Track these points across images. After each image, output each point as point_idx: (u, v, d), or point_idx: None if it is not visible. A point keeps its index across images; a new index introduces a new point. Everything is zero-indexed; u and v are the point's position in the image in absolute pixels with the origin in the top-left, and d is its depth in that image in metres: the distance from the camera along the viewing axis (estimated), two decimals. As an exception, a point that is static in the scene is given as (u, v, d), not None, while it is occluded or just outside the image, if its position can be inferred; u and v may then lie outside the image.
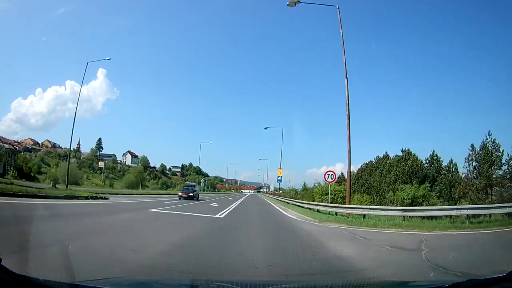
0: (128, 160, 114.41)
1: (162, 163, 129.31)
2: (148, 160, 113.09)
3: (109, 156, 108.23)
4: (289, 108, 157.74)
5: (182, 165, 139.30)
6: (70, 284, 2.11)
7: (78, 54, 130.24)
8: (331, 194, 23.25)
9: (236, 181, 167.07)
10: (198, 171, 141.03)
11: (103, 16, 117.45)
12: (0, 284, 1.43)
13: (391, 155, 37.24)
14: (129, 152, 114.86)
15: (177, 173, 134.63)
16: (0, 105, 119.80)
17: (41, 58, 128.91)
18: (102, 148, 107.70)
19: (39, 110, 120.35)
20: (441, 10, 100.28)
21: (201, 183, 59.27)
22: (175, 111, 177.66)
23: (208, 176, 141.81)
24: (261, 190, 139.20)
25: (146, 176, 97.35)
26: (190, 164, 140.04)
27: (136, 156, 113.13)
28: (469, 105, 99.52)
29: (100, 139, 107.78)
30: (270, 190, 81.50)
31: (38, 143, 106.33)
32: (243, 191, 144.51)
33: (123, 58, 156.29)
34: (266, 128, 75.15)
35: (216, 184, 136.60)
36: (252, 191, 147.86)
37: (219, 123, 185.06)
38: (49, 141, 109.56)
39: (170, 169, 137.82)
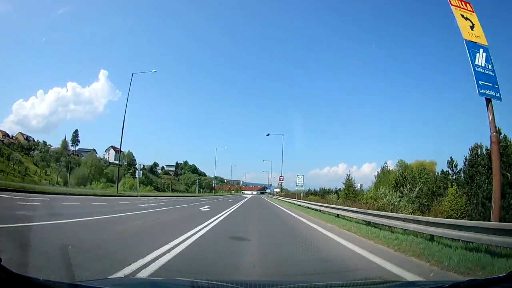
0: (111, 156, 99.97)
1: (154, 161, 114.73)
2: (133, 156, 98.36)
3: (87, 151, 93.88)
4: (290, 109, 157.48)
5: (176, 163, 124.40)
6: (70, 284, 2.06)
7: (79, 54, 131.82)
8: None
9: (238, 182, 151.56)
10: (194, 169, 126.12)
11: (104, 16, 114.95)
12: (0, 284, 1.41)
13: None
14: (112, 147, 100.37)
15: (170, 172, 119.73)
16: (1, 107, 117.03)
17: (42, 59, 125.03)
18: (79, 142, 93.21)
19: (40, 112, 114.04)
20: (440, 10, 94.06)
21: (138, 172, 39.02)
22: (177, 112, 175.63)
23: (205, 175, 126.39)
24: (267, 190, 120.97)
25: (126, 173, 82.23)
26: (185, 162, 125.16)
27: (116, 150, 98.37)
28: (468, 104, 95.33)
29: (76, 131, 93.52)
30: (295, 190, 59.51)
31: (8, 136, 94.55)
32: (244, 192, 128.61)
33: (124, 59, 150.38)
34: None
35: (213, 185, 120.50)
36: (255, 192, 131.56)
37: (219, 124, 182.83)
38: (22, 134, 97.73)
39: (163, 167, 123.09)
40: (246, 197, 56.51)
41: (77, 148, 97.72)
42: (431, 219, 7.71)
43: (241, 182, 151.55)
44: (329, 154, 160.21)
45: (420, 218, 8.18)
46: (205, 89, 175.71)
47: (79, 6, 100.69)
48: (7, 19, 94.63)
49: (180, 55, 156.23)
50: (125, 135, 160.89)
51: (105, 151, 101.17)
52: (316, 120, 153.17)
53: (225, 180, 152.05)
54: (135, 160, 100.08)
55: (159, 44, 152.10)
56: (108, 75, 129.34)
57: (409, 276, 4.39)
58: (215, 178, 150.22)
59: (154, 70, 39.03)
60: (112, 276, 3.62)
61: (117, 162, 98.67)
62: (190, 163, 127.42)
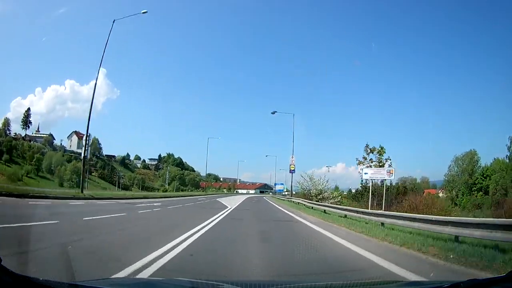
0: (74, 143, 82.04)
1: (128, 152, 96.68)
2: (99, 144, 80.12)
3: (40, 137, 76.10)
4: (290, 108, 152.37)
5: (159, 156, 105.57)
6: (70, 284, 2.05)
7: (78, 53, 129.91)
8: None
9: (235, 180, 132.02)
10: (179, 163, 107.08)
11: (104, 16, 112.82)
12: (0, 284, 1.42)
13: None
14: (75, 132, 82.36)
15: (151, 167, 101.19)
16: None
17: (40, 57, 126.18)
18: (31, 123, 75.27)
19: (38, 110, 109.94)
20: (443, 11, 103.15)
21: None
22: (177, 110, 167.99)
23: (193, 170, 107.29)
24: (276, 188, 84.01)
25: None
26: (169, 155, 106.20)
27: (80, 136, 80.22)
28: (468, 105, 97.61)
29: (28, 110, 75.57)
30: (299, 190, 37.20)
31: None
32: (239, 191, 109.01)
33: (122, 57, 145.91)
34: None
35: (199, 182, 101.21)
36: (253, 191, 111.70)
37: (219, 123, 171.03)
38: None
39: (144, 161, 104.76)
40: (224, 209, 18.47)
41: (33, 132, 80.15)
42: None
43: (238, 180, 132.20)
44: (327, 153, 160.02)
45: None
46: (203, 87, 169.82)
47: (79, 6, 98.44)
48: (8, 19, 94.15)
49: (179, 53, 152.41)
50: (124, 134, 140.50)
51: (67, 137, 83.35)
52: (315, 119, 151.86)
53: (221, 178, 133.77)
54: (101, 148, 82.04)
55: (158, 42, 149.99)
56: (106, 73, 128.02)
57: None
58: (208, 175, 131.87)
59: (144, 11, 23.35)
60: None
61: (79, 151, 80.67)
62: (184, 160, 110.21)
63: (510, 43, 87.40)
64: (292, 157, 35.64)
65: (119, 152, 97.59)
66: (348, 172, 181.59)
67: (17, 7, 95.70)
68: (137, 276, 3.88)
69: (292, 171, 35.73)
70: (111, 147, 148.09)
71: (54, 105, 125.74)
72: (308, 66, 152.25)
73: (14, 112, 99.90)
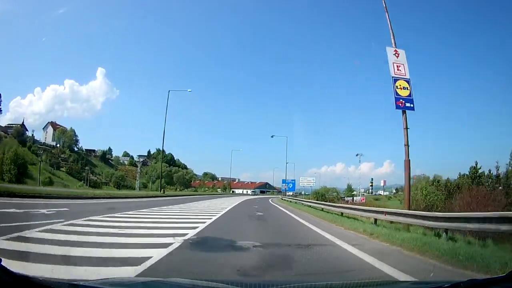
0: (49, 134, 73.97)
1: (110, 147, 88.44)
2: (75, 136, 71.71)
3: (10, 126, 67.97)
4: (290, 108, 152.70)
5: (148, 152, 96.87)
6: (70, 284, 2.06)
7: (78, 53, 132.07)
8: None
9: (233, 180, 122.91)
10: (170, 160, 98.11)
11: (103, 16, 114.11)
12: (0, 284, 1.43)
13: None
14: (51, 123, 74.26)
15: (138, 164, 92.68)
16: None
17: (40, 57, 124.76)
18: (1, 111, 66.94)
19: (37, 110, 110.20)
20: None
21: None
22: (176, 109, 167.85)
23: (185, 168, 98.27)
24: (285, 188, 60.02)
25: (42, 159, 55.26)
26: (159, 150, 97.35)
27: (56, 128, 72.13)
28: (468, 104, 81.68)
29: (-2, 97, 67.16)
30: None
31: None
32: (236, 191, 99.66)
33: (122, 57, 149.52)
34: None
35: (190, 180, 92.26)
36: (250, 191, 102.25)
37: (219, 122, 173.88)
38: None
39: (132, 157, 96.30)
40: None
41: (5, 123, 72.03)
42: None
43: (237, 180, 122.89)
44: (327, 153, 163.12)
45: None
46: (203, 87, 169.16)
47: (79, 7, 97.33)
48: (8, 19, 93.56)
49: (179, 53, 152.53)
50: (124, 133, 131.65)
51: (43, 128, 75.31)
52: (315, 119, 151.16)
53: (219, 178, 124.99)
54: (78, 141, 73.65)
55: (158, 42, 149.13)
56: (105, 73, 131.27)
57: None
58: (205, 174, 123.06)
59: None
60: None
61: (53, 143, 72.52)
62: (178, 157, 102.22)
63: (510, 43, 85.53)
64: (397, 53, 12.90)
65: (116, 151, 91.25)
66: (347, 171, 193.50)
67: (17, 7, 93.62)
68: None
69: (406, 102, 12.51)
70: (109, 146, 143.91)
71: (53, 105, 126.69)
72: (308, 66, 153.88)
73: (13, 112, 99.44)
